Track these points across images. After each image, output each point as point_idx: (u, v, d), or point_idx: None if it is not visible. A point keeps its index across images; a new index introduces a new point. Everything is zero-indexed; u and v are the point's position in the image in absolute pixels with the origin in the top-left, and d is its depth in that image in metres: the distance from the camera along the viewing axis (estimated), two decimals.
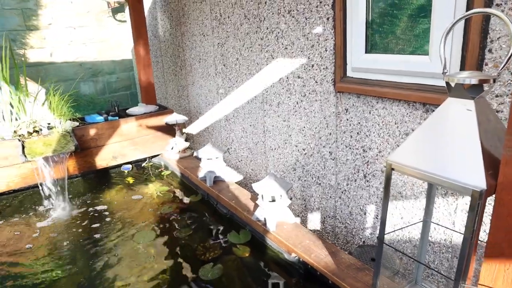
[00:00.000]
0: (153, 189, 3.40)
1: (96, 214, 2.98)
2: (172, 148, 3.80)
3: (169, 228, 2.73)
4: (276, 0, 2.56)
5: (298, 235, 2.25)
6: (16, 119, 3.27)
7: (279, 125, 2.84)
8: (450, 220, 1.82)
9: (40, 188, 3.19)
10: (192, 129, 4.31)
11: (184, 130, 3.99)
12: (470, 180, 1.07)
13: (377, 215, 2.24)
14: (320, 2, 2.22)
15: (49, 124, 3.32)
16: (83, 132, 3.45)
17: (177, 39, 4.21)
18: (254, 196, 2.76)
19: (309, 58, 2.41)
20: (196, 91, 4.05)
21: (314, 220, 2.72)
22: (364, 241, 2.37)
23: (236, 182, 3.09)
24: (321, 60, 2.32)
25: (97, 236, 2.67)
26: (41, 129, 3.26)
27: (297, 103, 2.60)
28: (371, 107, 2.07)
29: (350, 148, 2.28)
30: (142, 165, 3.90)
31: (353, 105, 2.18)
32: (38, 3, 5.23)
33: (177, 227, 2.74)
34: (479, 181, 1.06)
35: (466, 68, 1.59)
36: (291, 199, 2.87)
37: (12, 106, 3.27)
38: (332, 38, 2.21)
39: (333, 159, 2.42)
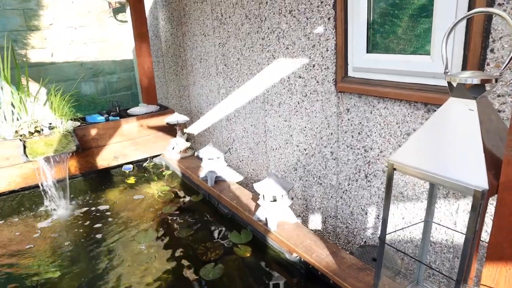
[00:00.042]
0: (154, 189, 3.40)
1: (97, 214, 2.98)
2: (173, 148, 3.80)
3: (170, 228, 2.73)
4: (277, 0, 2.56)
5: (299, 235, 2.25)
6: (18, 119, 3.27)
7: (280, 125, 2.84)
8: (452, 220, 1.82)
9: (41, 188, 3.19)
10: (193, 129, 4.31)
11: (185, 130, 3.99)
12: (472, 180, 1.07)
13: (378, 215, 2.24)
14: (321, 2, 2.22)
15: (50, 124, 3.32)
16: (84, 132, 3.45)
17: (178, 39, 4.21)
18: (255, 196, 2.75)
19: (310, 58, 2.41)
20: (197, 91, 4.05)
21: (315, 220, 2.71)
22: (365, 241, 2.37)
23: (237, 182, 3.09)
24: (323, 60, 2.32)
25: (98, 236, 2.67)
26: (42, 129, 3.26)
27: (298, 103, 2.60)
28: (372, 107, 2.07)
29: (351, 148, 2.27)
30: (143, 165, 3.90)
31: (354, 105, 2.18)
32: (40, 4, 5.23)
33: (178, 227, 2.74)
34: (481, 181, 1.06)
35: (468, 68, 1.59)
36: (292, 199, 2.87)
37: (13, 106, 3.27)
38: (333, 38, 2.21)
39: (334, 159, 2.42)
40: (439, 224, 1.80)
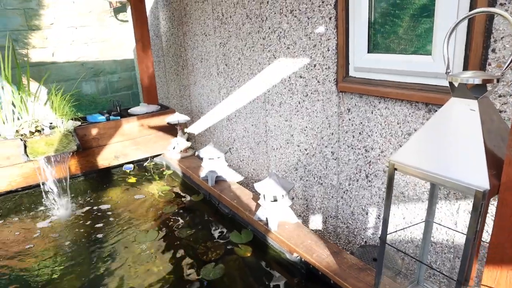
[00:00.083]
0: (155, 188, 3.40)
1: (98, 214, 2.98)
2: (173, 148, 3.80)
3: (170, 228, 2.73)
4: (278, 0, 2.56)
5: (300, 235, 2.25)
6: (18, 119, 3.27)
7: (281, 125, 2.84)
8: (452, 221, 1.82)
9: (42, 187, 3.19)
10: (194, 128, 4.31)
11: (185, 130, 3.99)
12: (473, 180, 1.07)
13: (379, 215, 2.24)
14: (323, 2, 2.22)
15: (51, 123, 3.32)
16: (85, 131, 3.46)
17: (179, 39, 4.21)
18: (256, 196, 2.75)
19: (311, 57, 2.41)
20: (198, 91, 4.05)
21: (316, 220, 2.71)
22: (366, 241, 2.37)
23: (237, 182, 3.09)
24: (324, 59, 2.32)
25: (98, 236, 2.67)
26: (43, 129, 3.26)
27: (299, 103, 2.60)
28: (373, 107, 2.07)
29: (352, 148, 2.27)
30: (144, 165, 3.91)
31: (355, 105, 2.18)
32: (40, 3, 5.24)
33: (178, 227, 2.74)
34: (482, 181, 1.05)
35: (469, 68, 1.59)
36: (292, 199, 2.86)
37: (14, 106, 3.27)
38: (334, 37, 2.21)
39: (335, 159, 2.42)
40: (439, 224, 1.80)
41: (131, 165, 3.83)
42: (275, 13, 2.62)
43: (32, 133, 3.21)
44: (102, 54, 5.88)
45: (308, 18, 2.35)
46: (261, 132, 3.10)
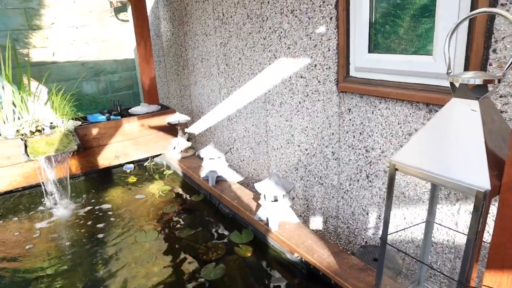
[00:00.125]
0: (155, 188, 3.40)
1: (98, 214, 2.98)
2: (174, 148, 3.80)
3: (171, 228, 2.73)
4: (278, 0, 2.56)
5: (301, 235, 2.25)
6: (19, 118, 3.27)
7: (281, 125, 2.84)
8: (453, 221, 1.82)
9: (43, 187, 3.19)
10: (194, 128, 4.31)
11: (186, 130, 3.99)
12: (474, 181, 1.07)
13: (379, 215, 2.24)
14: (323, 2, 2.22)
15: (51, 123, 3.32)
16: (85, 131, 3.46)
17: (179, 39, 4.21)
18: (256, 196, 2.75)
19: (312, 57, 2.41)
20: (199, 91, 4.05)
21: (317, 220, 2.71)
22: (366, 241, 2.37)
23: (238, 182, 3.09)
24: (324, 59, 2.32)
25: (99, 235, 2.67)
26: (43, 129, 3.26)
27: (299, 103, 2.60)
28: (374, 107, 2.07)
29: (352, 148, 2.27)
30: (144, 165, 3.91)
31: (356, 105, 2.18)
32: (41, 3, 5.24)
33: (179, 226, 2.74)
34: (484, 181, 1.05)
35: (470, 68, 1.59)
36: (293, 199, 2.86)
37: (14, 106, 3.27)
38: (335, 37, 2.21)
39: (335, 159, 2.42)
40: (440, 225, 1.80)
41: (132, 165, 3.83)
42: (275, 13, 2.61)
43: (32, 132, 3.21)
44: (103, 53, 5.88)
45: (309, 18, 2.35)
46: (261, 132, 3.10)
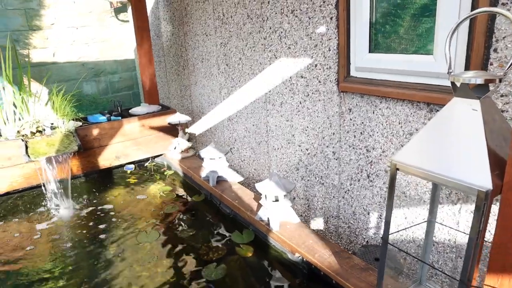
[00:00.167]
0: (156, 189, 3.40)
1: (99, 214, 2.98)
2: (175, 148, 3.80)
3: (172, 228, 2.73)
4: None
5: (302, 235, 2.25)
6: (20, 119, 3.27)
7: (282, 125, 2.84)
8: (454, 220, 1.82)
9: (43, 188, 3.19)
10: (195, 129, 4.31)
11: (186, 130, 3.99)
12: (475, 180, 1.07)
13: (380, 215, 2.24)
14: (324, 2, 2.22)
15: (52, 124, 3.32)
16: (86, 132, 3.46)
17: (179, 39, 4.21)
18: (257, 196, 2.75)
19: (312, 57, 2.41)
20: (199, 91, 4.05)
21: (317, 220, 2.71)
22: (367, 241, 2.37)
23: (239, 182, 3.09)
24: (325, 59, 2.32)
25: (100, 236, 2.67)
26: (44, 129, 3.26)
27: (300, 102, 2.60)
28: (374, 107, 2.07)
29: (353, 148, 2.27)
30: (145, 165, 3.91)
31: (356, 104, 2.18)
32: (41, 3, 5.24)
33: (180, 227, 2.74)
34: (485, 181, 1.05)
35: (471, 67, 1.59)
36: (294, 199, 2.86)
37: (15, 106, 3.27)
38: (335, 37, 2.21)
39: (336, 159, 2.42)
40: (441, 224, 1.80)
41: (132, 166, 3.83)
42: (276, 13, 2.61)
43: (33, 133, 3.21)
44: (103, 54, 5.88)
45: (309, 18, 2.35)
46: (262, 132, 3.10)
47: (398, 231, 2.08)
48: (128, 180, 3.60)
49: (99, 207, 3.09)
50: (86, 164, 3.53)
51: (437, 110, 1.75)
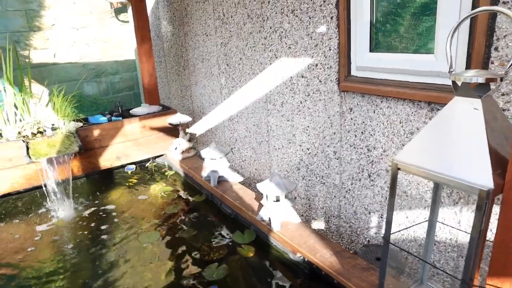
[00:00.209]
0: (157, 189, 3.40)
1: (100, 215, 2.99)
2: (175, 148, 3.80)
3: (173, 228, 2.73)
4: None
5: (303, 235, 2.25)
6: (20, 120, 3.28)
7: (283, 125, 2.84)
8: (456, 219, 1.81)
9: (45, 189, 3.19)
10: (196, 129, 4.31)
11: (187, 130, 3.99)
12: (477, 180, 1.07)
13: (381, 215, 2.23)
14: (324, 1, 2.22)
15: (53, 125, 3.32)
16: (86, 132, 3.46)
17: (180, 39, 4.21)
18: (258, 196, 2.75)
19: (313, 57, 2.40)
20: (200, 91, 4.05)
21: (319, 220, 2.71)
22: (369, 241, 2.36)
23: (240, 182, 3.09)
24: (325, 59, 2.32)
25: (101, 237, 2.67)
26: (45, 130, 3.26)
27: (301, 102, 2.60)
28: (375, 106, 2.07)
29: (354, 147, 2.27)
30: (146, 166, 3.91)
31: (357, 104, 2.18)
32: (42, 4, 5.24)
33: (181, 227, 2.74)
34: (486, 180, 1.05)
35: (472, 66, 1.58)
36: (295, 198, 2.86)
37: (16, 107, 3.27)
38: (336, 37, 2.21)
39: (337, 159, 2.41)
40: (443, 224, 1.80)
41: (133, 166, 3.83)
42: (276, 13, 2.61)
43: (34, 134, 3.21)
44: (104, 55, 5.89)
45: (310, 18, 2.35)
46: (263, 132, 3.10)
47: (399, 231, 2.08)
48: (129, 180, 3.60)
49: (100, 208, 3.10)
50: (87, 165, 3.53)
51: (438, 109, 1.75)
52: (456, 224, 1.81)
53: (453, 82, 1.20)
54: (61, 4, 5.38)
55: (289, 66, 2.62)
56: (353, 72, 2.20)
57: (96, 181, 3.60)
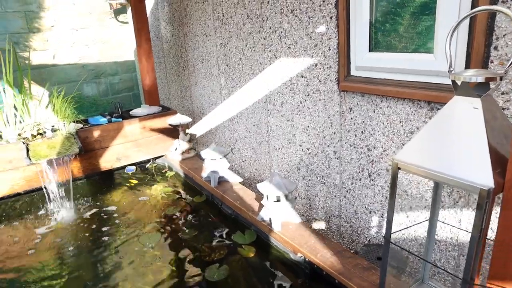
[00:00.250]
0: (158, 190, 3.40)
1: (101, 216, 2.99)
2: (175, 149, 3.80)
3: (174, 229, 2.73)
4: None
5: (304, 235, 2.25)
6: (20, 122, 3.28)
7: (283, 125, 2.84)
8: (456, 219, 1.82)
9: (45, 191, 3.19)
10: (196, 129, 4.31)
11: (187, 131, 3.99)
12: (477, 179, 1.07)
13: (382, 214, 2.23)
14: (323, 1, 2.22)
15: (53, 126, 3.32)
16: (86, 134, 3.46)
17: (179, 40, 4.21)
18: (259, 196, 2.75)
19: (312, 57, 2.41)
20: (199, 92, 4.05)
21: (319, 220, 2.71)
22: (369, 240, 2.36)
23: (240, 182, 3.09)
24: (325, 59, 2.32)
25: (102, 238, 2.67)
26: (45, 132, 3.27)
27: (300, 102, 2.60)
28: (375, 105, 2.07)
29: (354, 147, 2.27)
30: (146, 167, 3.91)
31: (357, 104, 2.18)
32: (41, 6, 5.24)
33: (182, 228, 2.74)
34: (487, 179, 1.05)
35: (472, 65, 1.58)
36: (295, 198, 2.86)
37: (16, 109, 3.27)
38: (335, 37, 2.21)
39: (337, 158, 2.41)
40: (443, 223, 1.80)
41: (133, 167, 3.83)
42: (275, 13, 2.61)
43: (34, 136, 3.21)
44: (103, 55, 5.89)
45: (309, 18, 2.35)
46: (263, 132, 3.10)
47: (400, 230, 2.08)
48: (130, 181, 3.60)
49: (100, 209, 3.10)
50: (87, 166, 3.53)
51: (438, 109, 1.75)
52: (457, 223, 1.81)
53: (453, 82, 1.20)
54: (61, 5, 5.38)
55: (289, 66, 2.62)
56: (353, 72, 2.20)
57: (97, 183, 3.60)
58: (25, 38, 5.21)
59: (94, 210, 3.09)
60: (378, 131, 2.09)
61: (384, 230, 2.23)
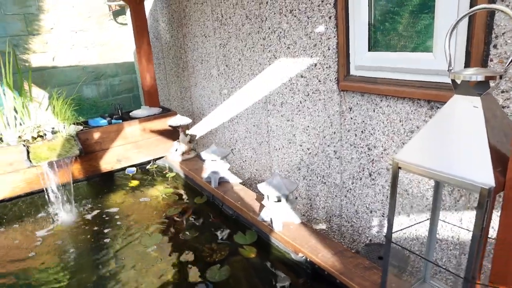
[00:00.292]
0: (158, 191, 3.40)
1: (102, 218, 2.99)
2: (176, 150, 3.80)
3: (175, 230, 2.73)
4: None
5: (305, 235, 2.25)
6: (21, 124, 3.28)
7: (283, 125, 2.84)
8: (457, 217, 1.81)
9: (46, 193, 3.19)
10: (196, 130, 4.31)
11: (187, 132, 3.99)
12: (478, 178, 1.07)
13: (383, 213, 2.23)
14: (322, 1, 2.22)
15: (53, 128, 3.33)
16: (87, 136, 3.46)
17: (178, 41, 4.21)
18: (259, 197, 2.75)
19: (312, 57, 2.40)
20: (199, 92, 4.05)
21: (320, 220, 2.71)
22: (370, 239, 2.36)
23: (240, 183, 3.09)
24: (324, 59, 2.32)
25: (103, 239, 2.67)
26: (45, 134, 3.27)
27: (300, 102, 2.60)
28: (375, 105, 2.07)
29: (354, 146, 2.27)
30: (147, 168, 3.91)
31: (357, 103, 2.18)
32: (40, 8, 5.24)
33: (183, 228, 2.74)
34: (488, 178, 1.05)
35: (471, 64, 1.58)
36: (296, 198, 2.86)
37: (16, 111, 3.28)
38: (334, 36, 2.21)
39: (337, 158, 2.41)
40: (444, 222, 1.80)
41: (134, 168, 3.83)
42: (274, 13, 2.61)
43: (34, 138, 3.21)
44: (103, 57, 5.89)
45: (308, 18, 2.35)
46: (263, 133, 3.10)
47: (401, 229, 2.08)
48: (130, 183, 3.60)
49: (101, 211, 3.10)
50: (87, 168, 3.53)
51: (438, 108, 1.75)
52: (458, 222, 1.81)
53: (453, 81, 1.20)
54: (60, 7, 5.39)
55: (288, 66, 2.62)
56: (352, 71, 2.20)
57: (97, 184, 3.60)
58: (24, 40, 5.21)
59: (95, 212, 3.09)
60: (378, 131, 2.09)
61: (385, 230, 2.22)
